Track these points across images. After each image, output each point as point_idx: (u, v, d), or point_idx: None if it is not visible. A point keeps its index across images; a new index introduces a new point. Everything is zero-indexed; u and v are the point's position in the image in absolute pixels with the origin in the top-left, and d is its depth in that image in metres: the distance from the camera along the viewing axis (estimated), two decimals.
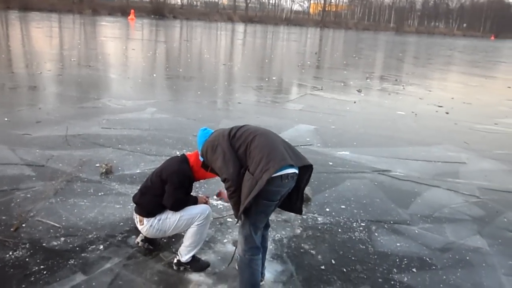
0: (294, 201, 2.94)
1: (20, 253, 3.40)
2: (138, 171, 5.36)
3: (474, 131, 9.05)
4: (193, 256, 3.33)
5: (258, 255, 2.84)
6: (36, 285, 3.02)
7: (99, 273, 3.23)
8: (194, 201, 3.36)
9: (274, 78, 14.92)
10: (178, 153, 6.16)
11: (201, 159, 3.09)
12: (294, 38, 43.81)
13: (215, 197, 3.60)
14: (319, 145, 7.05)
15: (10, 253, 3.39)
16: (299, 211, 2.99)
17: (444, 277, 3.55)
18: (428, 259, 3.80)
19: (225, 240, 3.84)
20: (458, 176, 6.10)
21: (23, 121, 7.32)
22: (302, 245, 3.88)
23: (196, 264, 3.35)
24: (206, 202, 3.41)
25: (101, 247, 3.58)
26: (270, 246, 3.79)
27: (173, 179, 3.21)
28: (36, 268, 3.22)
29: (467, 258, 3.89)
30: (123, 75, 13.31)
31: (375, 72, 19.41)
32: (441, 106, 11.48)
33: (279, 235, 4.00)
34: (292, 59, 23.48)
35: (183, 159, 3.33)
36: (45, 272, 3.17)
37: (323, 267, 3.54)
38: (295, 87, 13.77)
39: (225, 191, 3.30)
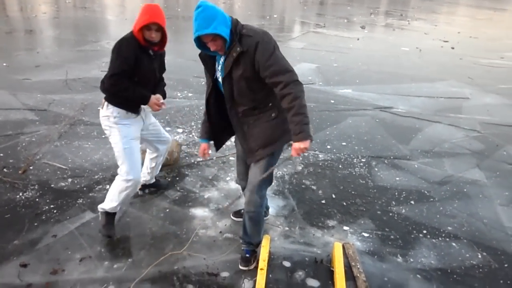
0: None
1: (30, 194, 3.51)
2: None
3: (479, 66, 8.90)
4: (107, 215, 3.03)
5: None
6: (47, 223, 3.15)
7: None
8: (142, 98, 2.82)
9: (275, 16, 14.49)
10: (179, 94, 6.15)
11: (226, 35, 2.24)
12: None
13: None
14: (321, 83, 6.99)
15: (20, 194, 3.50)
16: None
17: (441, 208, 3.66)
18: (426, 192, 3.90)
19: (227, 178, 3.93)
20: (460, 111, 6.09)
21: (22, 66, 7.25)
22: (303, 181, 3.97)
23: (105, 227, 3.02)
24: (159, 106, 2.91)
25: (108, 186, 3.68)
26: (272, 182, 3.87)
27: (114, 49, 2.71)
28: (46, 207, 3.34)
29: (465, 190, 3.98)
30: (121, 17, 12.94)
31: (380, 7, 18.73)
32: (446, 41, 11.19)
33: (280, 172, 4.09)
34: None
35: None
36: (55, 211, 3.30)
37: (323, 201, 3.65)
38: (297, 25, 13.39)
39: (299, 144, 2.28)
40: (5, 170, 3.86)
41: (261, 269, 2.62)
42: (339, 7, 18.06)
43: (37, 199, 3.44)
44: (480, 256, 3.08)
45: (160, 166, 3.55)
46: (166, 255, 2.86)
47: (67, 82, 6.45)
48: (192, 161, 4.22)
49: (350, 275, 2.78)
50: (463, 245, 3.20)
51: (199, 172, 4.01)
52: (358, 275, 2.80)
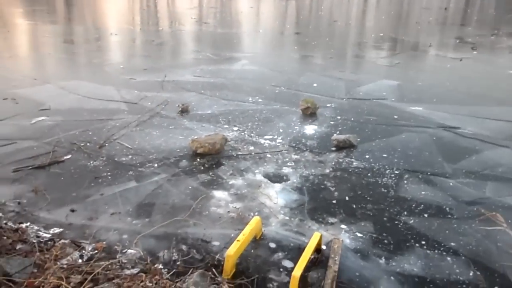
0: None
1: (97, 163, 4.43)
2: (209, 111, 6.12)
3: None
4: None
5: None
6: (100, 185, 4.00)
7: (147, 183, 4.08)
8: None
9: (381, 34, 14.36)
10: (250, 99, 6.75)
11: None
12: None
13: None
14: (393, 99, 6.96)
15: (91, 162, 4.44)
16: None
17: (456, 225, 3.58)
18: (447, 209, 3.82)
19: (256, 171, 4.37)
20: None
21: (134, 68, 8.63)
22: (325, 182, 4.21)
23: None
24: None
25: (156, 165, 4.43)
26: (294, 180, 4.21)
27: None
28: (105, 174, 4.20)
29: (494, 213, 3.79)
30: (231, 31, 14.23)
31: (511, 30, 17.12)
32: None
33: (307, 172, 4.39)
34: (414, 15, 21.88)
35: None
36: (109, 177, 4.14)
37: (334, 201, 3.86)
38: (398, 44, 13.11)
39: None
40: (88, 144, 4.88)
41: (238, 240, 3.01)
42: (458, 27, 17.02)
43: (100, 167, 4.33)
44: (471, 274, 3.02)
45: None
46: (171, 220, 3.45)
47: (162, 83, 7.55)
48: (233, 154, 4.75)
49: (325, 264, 3.02)
50: (459, 261, 3.15)
51: (235, 164, 4.53)
52: (331, 265, 3.01)
